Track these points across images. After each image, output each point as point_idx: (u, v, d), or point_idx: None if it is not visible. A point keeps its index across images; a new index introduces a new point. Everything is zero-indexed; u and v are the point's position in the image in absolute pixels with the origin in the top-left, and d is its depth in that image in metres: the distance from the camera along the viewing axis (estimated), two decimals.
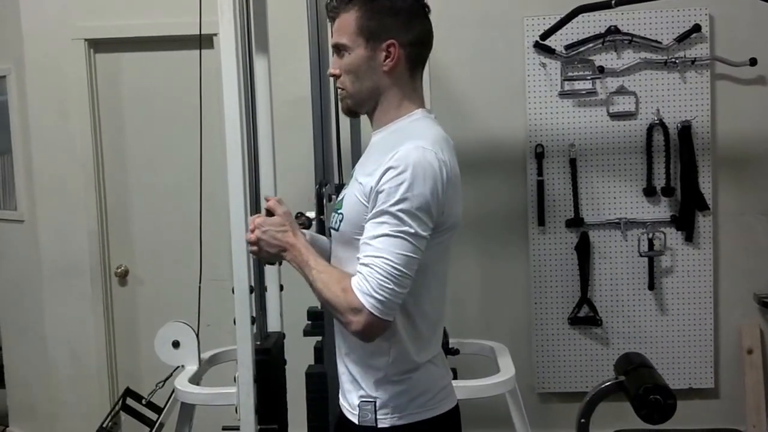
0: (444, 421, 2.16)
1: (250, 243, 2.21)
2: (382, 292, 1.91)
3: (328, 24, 3.42)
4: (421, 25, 2.14)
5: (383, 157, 1.99)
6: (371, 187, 1.99)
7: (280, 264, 2.26)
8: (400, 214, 1.92)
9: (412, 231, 1.93)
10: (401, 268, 1.92)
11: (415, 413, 2.11)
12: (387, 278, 1.91)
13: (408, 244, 1.93)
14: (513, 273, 4.55)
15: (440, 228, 2.03)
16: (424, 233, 1.95)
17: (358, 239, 2.01)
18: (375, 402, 2.11)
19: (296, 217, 2.48)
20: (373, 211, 1.97)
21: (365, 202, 2.01)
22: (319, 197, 3.19)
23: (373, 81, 2.13)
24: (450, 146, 2.09)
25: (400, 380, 2.10)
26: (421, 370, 2.12)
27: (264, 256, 2.22)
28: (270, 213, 2.21)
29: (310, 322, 3.44)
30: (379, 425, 2.10)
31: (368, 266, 1.93)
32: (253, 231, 2.20)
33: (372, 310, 1.92)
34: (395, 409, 2.10)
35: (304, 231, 2.26)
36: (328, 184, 3.34)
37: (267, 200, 2.23)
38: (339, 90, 2.20)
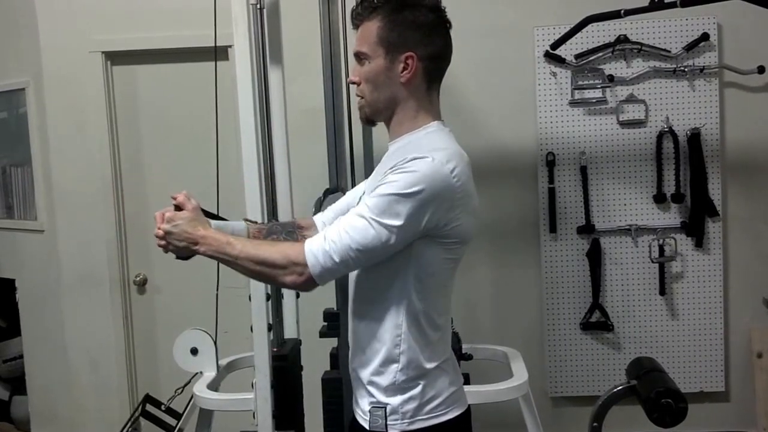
0: (454, 426, 2.18)
1: (157, 237, 2.20)
2: (328, 264, 1.98)
3: (341, 35, 3.50)
4: (441, 40, 2.17)
5: (395, 162, 2.03)
6: (381, 177, 2.05)
7: (186, 259, 2.26)
8: (390, 208, 1.97)
9: (391, 227, 1.97)
10: (359, 256, 1.99)
11: (424, 419, 2.14)
12: (339, 256, 1.98)
13: (379, 239, 1.97)
14: (525, 279, 4.57)
15: (448, 239, 2.07)
16: (400, 233, 1.99)
17: None
18: (385, 408, 2.14)
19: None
20: (373, 191, 2.02)
21: None
22: (319, 205, 3.24)
23: (391, 91, 2.16)
24: (465, 162, 2.11)
25: (409, 386, 2.13)
26: (431, 376, 2.15)
27: (172, 249, 2.21)
28: (178, 208, 2.22)
29: (326, 324, 3.47)
30: (389, 431, 2.14)
31: (334, 235, 2.00)
32: (159, 227, 2.19)
33: (312, 271, 1.99)
34: (405, 415, 2.13)
35: (210, 221, 2.26)
36: (338, 192, 3.39)
37: (174, 198, 2.24)
38: (358, 98, 2.23)
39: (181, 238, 2.17)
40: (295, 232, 2.49)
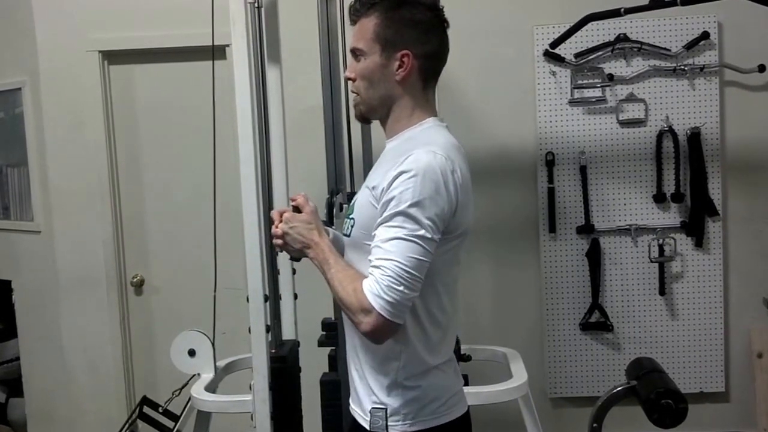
0: (454, 427, 2.18)
1: (275, 236, 2.23)
2: (392, 295, 1.93)
3: (340, 34, 3.48)
4: (438, 39, 2.17)
5: (394, 162, 2.01)
6: (383, 189, 2.01)
7: (298, 260, 2.29)
8: (412, 218, 1.95)
9: (423, 234, 1.95)
10: (412, 271, 1.94)
11: (425, 420, 2.13)
12: (398, 281, 1.93)
13: (419, 247, 1.95)
14: (524, 279, 4.56)
15: (451, 234, 2.06)
16: (434, 236, 1.98)
17: (369, 244, 2.03)
18: (386, 409, 2.13)
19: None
20: (385, 215, 1.99)
21: (376, 206, 2.04)
22: (330, 207, 3.22)
23: (386, 89, 2.16)
24: (461, 153, 2.12)
25: (410, 386, 2.12)
26: (432, 377, 2.14)
27: (288, 250, 2.24)
28: (297, 210, 2.23)
29: (324, 333, 3.46)
30: None
31: (379, 268, 1.95)
32: (277, 226, 2.22)
33: (382, 312, 1.94)
34: (406, 416, 2.12)
35: (328, 229, 2.28)
36: (340, 193, 3.38)
37: (294, 199, 2.25)
38: (353, 95, 2.23)
39: (297, 241, 2.20)
40: None
